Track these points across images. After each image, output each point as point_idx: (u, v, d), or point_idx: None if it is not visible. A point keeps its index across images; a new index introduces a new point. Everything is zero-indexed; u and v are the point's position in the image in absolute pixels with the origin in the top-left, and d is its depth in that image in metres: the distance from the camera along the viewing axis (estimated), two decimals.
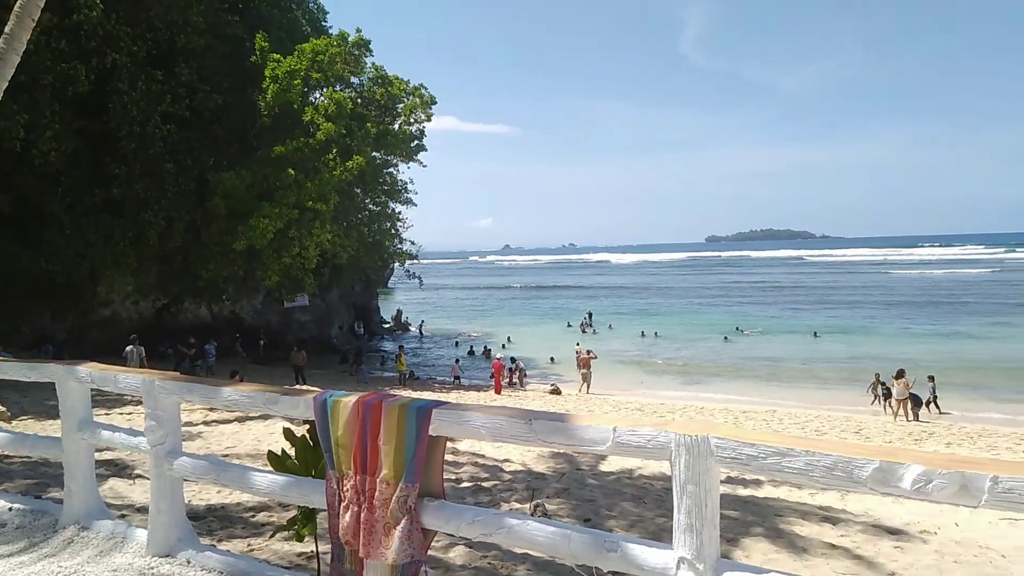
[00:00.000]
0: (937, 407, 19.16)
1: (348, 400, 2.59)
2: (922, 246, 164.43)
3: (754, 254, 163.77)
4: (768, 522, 6.25)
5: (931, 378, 19.42)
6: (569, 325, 43.07)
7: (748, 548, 5.48)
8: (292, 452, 3.47)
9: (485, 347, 33.96)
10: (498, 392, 23.09)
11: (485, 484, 7.35)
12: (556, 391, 23.05)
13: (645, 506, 6.62)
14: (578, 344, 31.16)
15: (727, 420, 17.10)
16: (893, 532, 6.26)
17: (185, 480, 3.54)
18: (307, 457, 3.42)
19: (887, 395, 19.55)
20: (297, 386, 20.55)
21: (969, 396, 21.28)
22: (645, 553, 2.12)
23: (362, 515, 2.49)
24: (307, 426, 3.07)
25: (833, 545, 5.68)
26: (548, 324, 45.49)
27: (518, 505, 6.41)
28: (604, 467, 8.39)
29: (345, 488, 2.54)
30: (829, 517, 6.61)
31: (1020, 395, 21.25)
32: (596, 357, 25.10)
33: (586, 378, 24.02)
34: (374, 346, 36.53)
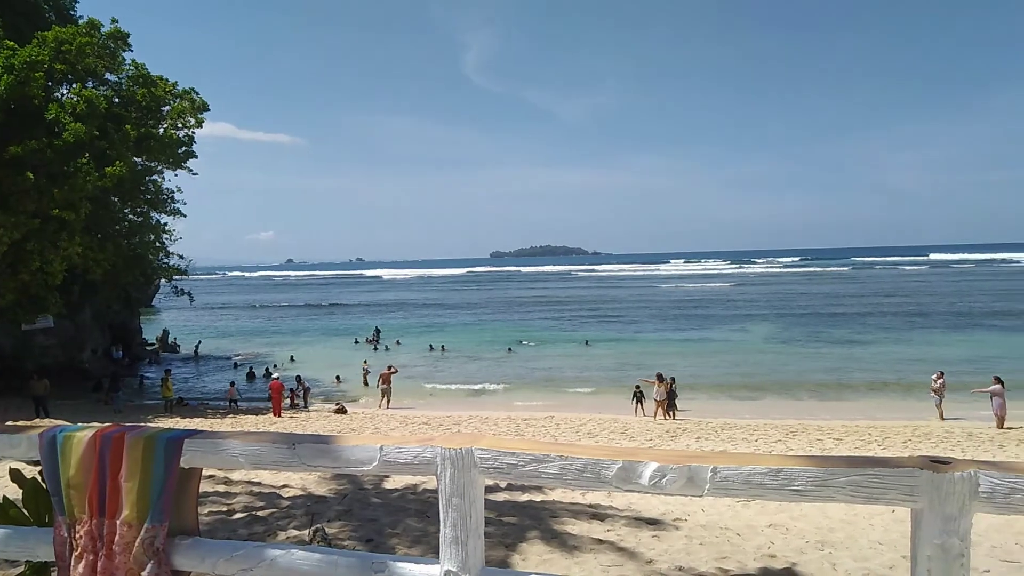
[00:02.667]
0: (675, 405, 21.23)
1: (83, 435, 2.30)
2: (672, 262, 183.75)
3: (525, 269, 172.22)
4: (544, 524, 6.57)
5: (672, 379, 21.61)
6: (356, 341, 42.34)
7: (525, 552, 5.71)
8: (20, 498, 3.02)
9: (267, 368, 32.17)
10: (277, 415, 21.95)
11: (260, 513, 6.92)
12: (342, 410, 22.42)
13: (429, 520, 6.63)
14: (365, 361, 30.72)
15: (509, 429, 17.74)
16: (651, 522, 6.88)
17: None
18: (39, 503, 2.99)
19: (640, 398, 21.62)
20: (37, 420, 17.97)
21: (714, 396, 24.31)
22: (413, 570, 2.11)
23: (99, 563, 2.22)
24: (40, 467, 2.67)
25: (600, 540, 6.11)
26: (334, 341, 44.30)
27: (296, 533, 6.12)
28: (388, 484, 8.30)
29: (78, 535, 2.25)
30: (597, 514, 7.11)
31: (753, 393, 24.75)
32: (397, 371, 25.01)
33: (386, 393, 23.94)
34: (136, 371, 33.06)
